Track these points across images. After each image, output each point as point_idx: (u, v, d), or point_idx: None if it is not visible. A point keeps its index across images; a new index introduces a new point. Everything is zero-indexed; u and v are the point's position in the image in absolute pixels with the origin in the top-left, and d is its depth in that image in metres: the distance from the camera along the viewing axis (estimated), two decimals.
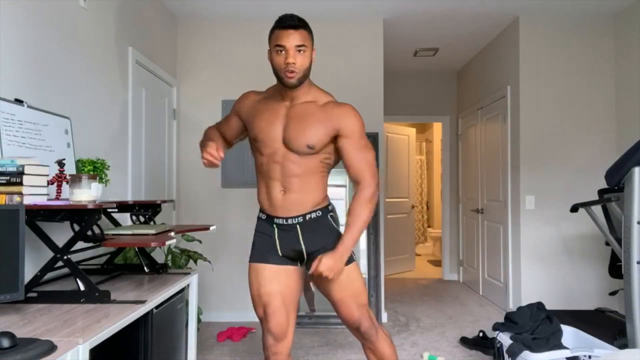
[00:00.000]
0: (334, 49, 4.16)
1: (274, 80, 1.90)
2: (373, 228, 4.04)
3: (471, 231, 5.46)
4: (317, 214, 1.87)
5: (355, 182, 1.85)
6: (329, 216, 1.91)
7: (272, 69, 1.81)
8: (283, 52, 1.75)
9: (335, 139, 1.84)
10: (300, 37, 1.75)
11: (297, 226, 1.85)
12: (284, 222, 1.86)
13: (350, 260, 1.89)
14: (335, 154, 1.89)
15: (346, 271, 1.86)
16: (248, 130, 1.94)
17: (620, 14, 4.06)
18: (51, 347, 1.14)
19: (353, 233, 1.81)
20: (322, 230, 1.88)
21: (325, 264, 1.75)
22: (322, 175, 1.89)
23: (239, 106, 1.98)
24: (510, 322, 2.93)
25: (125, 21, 3.11)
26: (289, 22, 1.75)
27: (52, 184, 1.88)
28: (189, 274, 2.27)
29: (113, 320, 1.45)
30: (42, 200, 1.70)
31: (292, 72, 1.75)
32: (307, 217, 1.85)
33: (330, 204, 1.95)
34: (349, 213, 1.82)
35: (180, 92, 4.18)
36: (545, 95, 4.15)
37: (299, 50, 1.75)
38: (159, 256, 3.27)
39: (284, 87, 1.82)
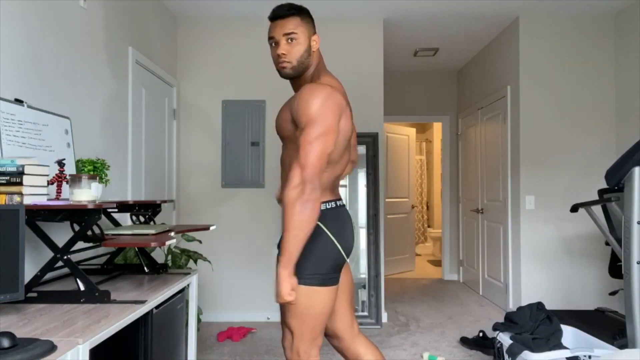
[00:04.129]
0: (334, 49, 4.16)
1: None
2: (373, 228, 4.04)
3: (471, 231, 5.46)
4: None
5: None
6: None
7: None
8: (275, 44, 1.70)
9: None
10: (290, 24, 1.66)
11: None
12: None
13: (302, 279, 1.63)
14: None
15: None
16: None
17: (620, 14, 4.06)
18: (51, 347, 1.14)
19: (284, 242, 1.50)
20: None
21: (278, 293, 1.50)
22: None
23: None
24: (510, 322, 2.93)
25: (125, 21, 3.11)
26: (278, 12, 1.67)
27: (52, 184, 1.88)
28: (189, 274, 2.27)
29: (113, 320, 1.45)
30: (42, 200, 1.70)
31: (284, 62, 1.67)
32: None
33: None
34: None
35: (180, 92, 4.18)
36: (545, 95, 4.15)
37: (290, 39, 1.66)
38: (159, 256, 3.27)
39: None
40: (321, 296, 1.66)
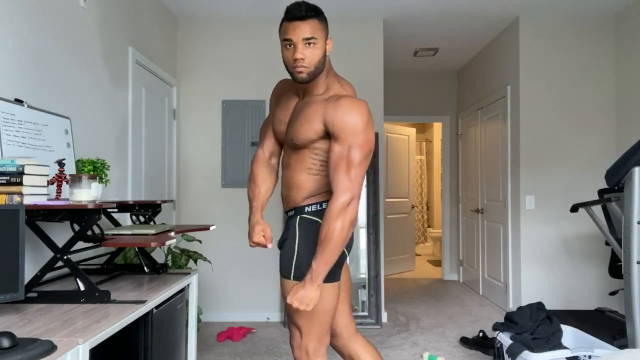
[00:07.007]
0: (333, 49, 4.16)
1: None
2: (373, 228, 4.04)
3: (471, 231, 5.46)
4: (291, 213, 1.79)
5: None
6: (298, 217, 1.74)
7: (283, 63, 1.71)
8: (291, 46, 1.62)
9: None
10: (309, 28, 1.59)
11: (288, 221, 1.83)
12: (286, 215, 1.86)
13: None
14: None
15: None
16: None
17: (620, 14, 4.06)
18: (51, 347, 1.14)
19: (321, 256, 1.55)
20: (288, 231, 1.76)
21: (295, 293, 1.57)
22: (308, 174, 1.72)
23: (272, 100, 1.95)
24: (510, 322, 2.93)
25: (125, 21, 3.11)
26: (296, 12, 1.59)
27: (52, 184, 1.88)
28: (189, 274, 2.27)
29: (113, 320, 1.45)
30: (42, 200, 1.70)
31: (301, 67, 1.61)
32: (288, 214, 1.82)
33: (309, 205, 1.74)
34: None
35: (180, 92, 4.18)
36: (545, 95, 4.15)
37: (308, 44, 1.60)
38: (159, 256, 3.27)
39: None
40: (328, 293, 1.68)
